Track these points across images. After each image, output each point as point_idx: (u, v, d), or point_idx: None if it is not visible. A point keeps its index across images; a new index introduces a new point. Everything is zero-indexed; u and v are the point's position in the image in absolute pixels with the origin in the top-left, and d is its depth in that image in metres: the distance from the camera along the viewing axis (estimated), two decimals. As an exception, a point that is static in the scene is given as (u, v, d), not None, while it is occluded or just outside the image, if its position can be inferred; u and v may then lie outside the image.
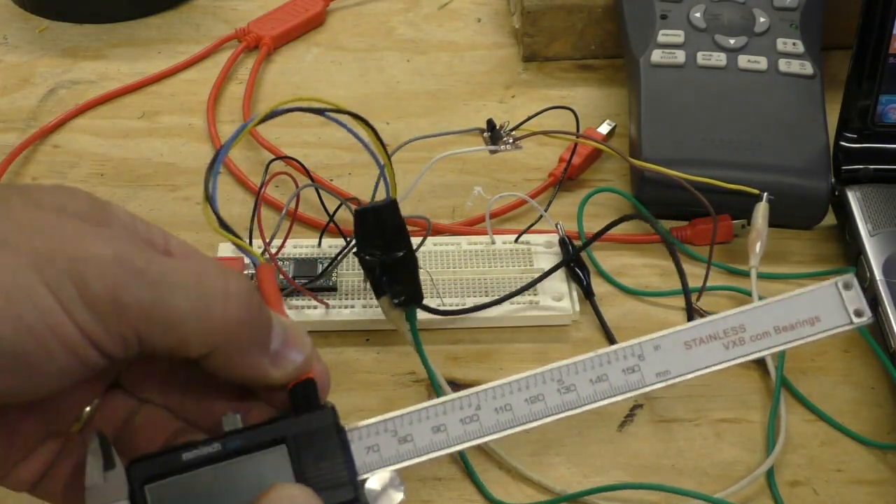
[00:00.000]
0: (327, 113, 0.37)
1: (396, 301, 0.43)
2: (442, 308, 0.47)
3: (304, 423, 0.32)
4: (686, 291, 0.47)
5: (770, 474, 0.44)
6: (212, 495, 0.31)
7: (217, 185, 0.34)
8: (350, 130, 0.38)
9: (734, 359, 0.34)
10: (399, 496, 0.32)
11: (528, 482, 0.43)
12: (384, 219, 0.41)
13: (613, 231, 0.53)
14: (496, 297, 0.48)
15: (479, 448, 0.44)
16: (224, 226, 0.33)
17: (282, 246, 0.49)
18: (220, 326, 0.30)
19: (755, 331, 0.34)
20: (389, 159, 0.40)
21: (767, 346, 0.34)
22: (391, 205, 0.41)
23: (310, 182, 0.52)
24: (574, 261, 0.50)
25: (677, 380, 0.34)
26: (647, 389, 0.33)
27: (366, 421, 0.33)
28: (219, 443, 0.31)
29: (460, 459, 0.44)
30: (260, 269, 0.34)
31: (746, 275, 0.51)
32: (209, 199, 0.33)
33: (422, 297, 0.44)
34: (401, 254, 0.42)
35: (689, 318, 0.47)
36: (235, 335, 0.30)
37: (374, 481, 0.32)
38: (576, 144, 0.57)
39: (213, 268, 0.30)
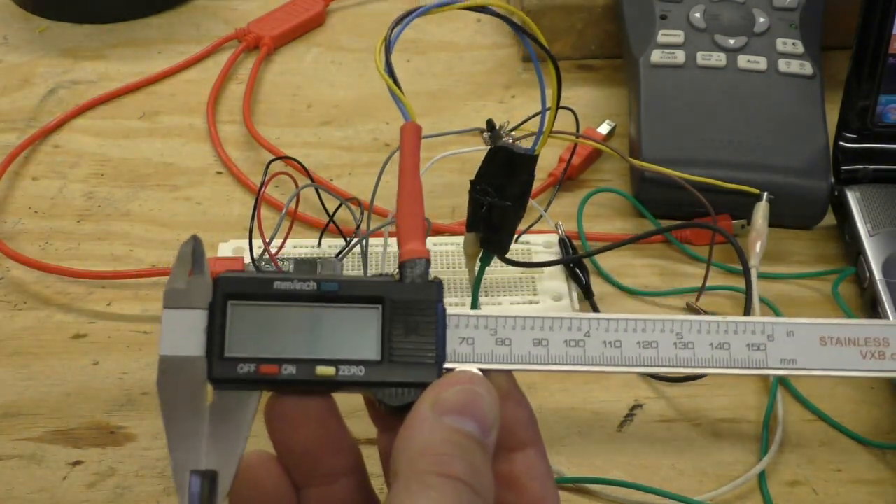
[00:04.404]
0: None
1: (483, 243, 0.41)
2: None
3: (406, 291, 0.30)
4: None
5: (762, 476, 0.44)
6: (290, 333, 0.29)
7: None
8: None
9: (869, 371, 0.31)
10: None
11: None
12: (513, 165, 0.38)
13: (613, 231, 0.53)
14: (495, 297, 0.49)
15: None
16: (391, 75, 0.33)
17: (282, 246, 0.49)
18: None
19: None
20: (558, 104, 0.37)
21: None
22: (528, 158, 0.38)
23: (310, 182, 0.52)
24: (573, 260, 0.50)
25: (803, 372, 0.31)
26: (768, 372, 0.31)
27: (467, 311, 0.31)
28: (315, 282, 0.30)
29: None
30: (403, 128, 0.32)
31: (746, 275, 0.51)
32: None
33: (506, 253, 0.42)
34: (509, 204, 0.39)
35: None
36: None
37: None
38: (575, 144, 0.57)
39: None
